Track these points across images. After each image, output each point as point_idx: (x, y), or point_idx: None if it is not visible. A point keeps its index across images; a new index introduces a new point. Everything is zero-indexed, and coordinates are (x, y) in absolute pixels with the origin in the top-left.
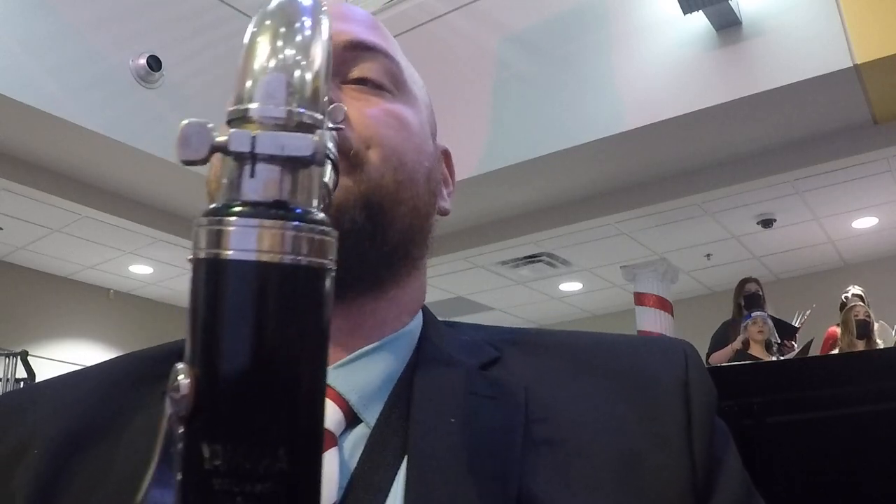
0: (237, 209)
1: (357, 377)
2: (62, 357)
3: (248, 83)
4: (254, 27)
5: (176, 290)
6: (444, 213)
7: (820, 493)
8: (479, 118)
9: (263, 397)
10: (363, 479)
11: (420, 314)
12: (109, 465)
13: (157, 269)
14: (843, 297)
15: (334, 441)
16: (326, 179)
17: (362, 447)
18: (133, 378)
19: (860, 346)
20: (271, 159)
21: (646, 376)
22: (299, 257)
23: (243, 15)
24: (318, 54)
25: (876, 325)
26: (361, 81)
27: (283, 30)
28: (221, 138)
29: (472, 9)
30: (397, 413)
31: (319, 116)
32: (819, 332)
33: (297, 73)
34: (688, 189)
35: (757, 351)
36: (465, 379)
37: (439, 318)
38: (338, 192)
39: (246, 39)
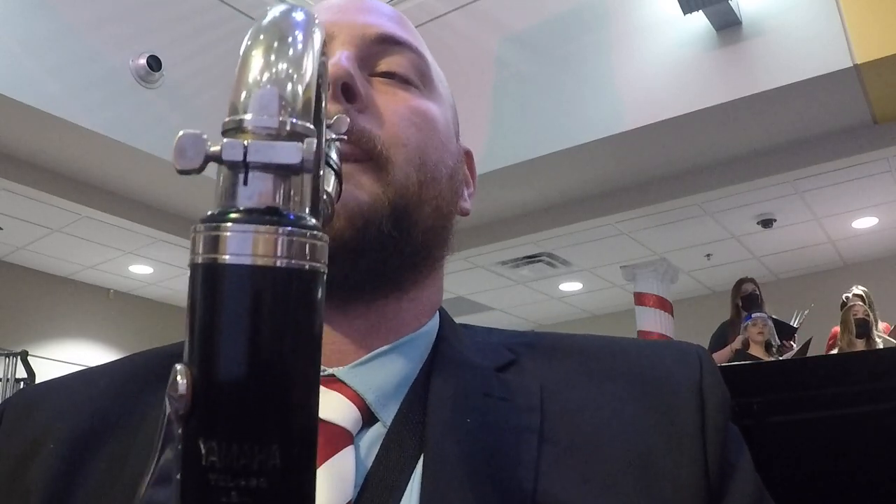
0: (232, 216)
1: (374, 377)
2: (62, 357)
3: (243, 95)
4: (248, 41)
5: (176, 290)
6: (465, 213)
7: (820, 492)
8: (479, 118)
9: (257, 396)
10: (378, 478)
11: (437, 315)
12: (124, 462)
13: (157, 269)
14: (844, 296)
15: (350, 440)
16: (329, 189)
17: (378, 446)
18: (147, 375)
19: (860, 345)
20: (263, 167)
21: (661, 380)
22: (292, 261)
23: (243, 15)
24: (310, 67)
25: (882, 325)
26: (389, 75)
27: (276, 44)
28: (215, 148)
29: (472, 9)
30: (414, 413)
31: (311, 126)
32: (819, 332)
33: (290, 86)
34: (688, 189)
35: (756, 352)
36: (482, 381)
37: None
38: (366, 200)
39: (241, 53)
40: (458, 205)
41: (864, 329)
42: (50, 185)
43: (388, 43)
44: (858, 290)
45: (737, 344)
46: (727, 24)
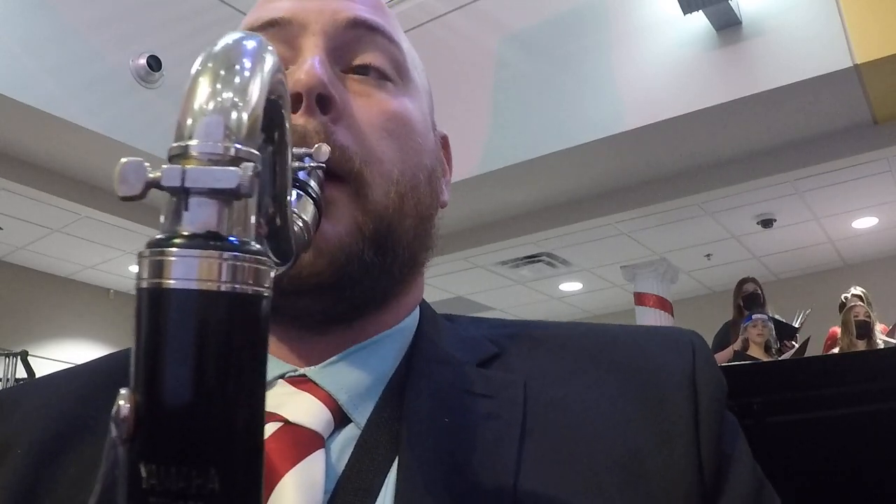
0: (176, 241)
1: (347, 376)
2: (62, 357)
3: (189, 122)
4: (198, 66)
5: None
6: (443, 205)
7: (820, 493)
8: (479, 118)
9: (196, 420)
10: (351, 483)
11: (417, 310)
12: (94, 466)
13: None
14: (843, 297)
15: (321, 443)
16: (308, 217)
17: (351, 449)
18: (120, 376)
19: (860, 346)
20: (203, 192)
21: (651, 370)
22: (236, 286)
23: (243, 15)
24: (256, 94)
25: (879, 326)
26: (364, 69)
27: (223, 72)
28: (156, 174)
29: (472, 9)
30: (389, 413)
31: (254, 152)
32: (819, 332)
33: (234, 113)
34: (688, 189)
35: (756, 353)
36: (462, 377)
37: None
38: (343, 234)
39: (190, 79)
40: (438, 202)
41: (865, 330)
42: (50, 185)
43: (361, 29)
44: (858, 290)
45: (736, 345)
46: (727, 24)
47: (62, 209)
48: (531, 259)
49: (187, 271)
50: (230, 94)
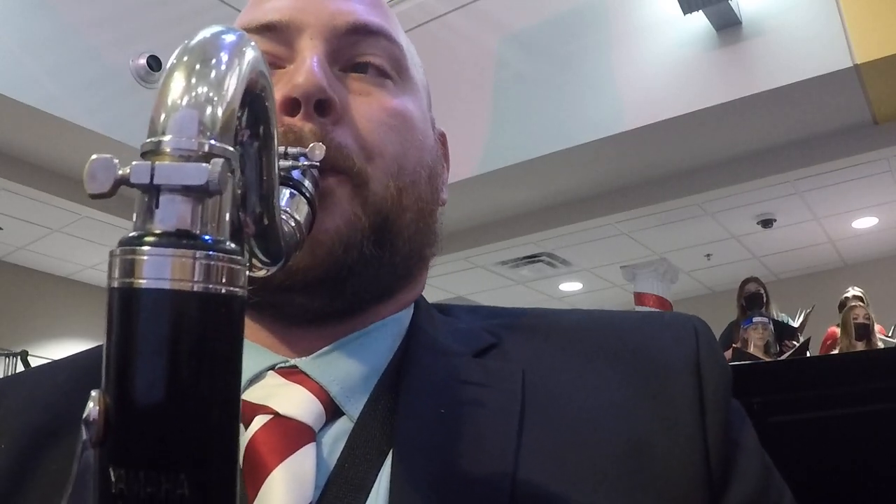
0: (148, 239)
1: (339, 367)
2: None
3: (162, 117)
4: (173, 60)
5: None
6: (443, 203)
7: (821, 493)
8: (479, 118)
9: (165, 424)
10: (343, 477)
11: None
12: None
13: None
14: (843, 297)
15: (312, 436)
16: (301, 218)
17: (344, 442)
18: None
19: (859, 347)
20: (173, 190)
21: (653, 356)
22: (209, 286)
23: None
24: (232, 89)
25: (877, 328)
26: (363, 67)
27: (198, 66)
28: (125, 171)
29: (472, 9)
30: (383, 405)
31: (229, 148)
32: (819, 332)
33: (209, 108)
34: (688, 189)
35: (756, 354)
36: (458, 368)
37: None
38: (342, 227)
39: (164, 73)
40: (439, 199)
41: (865, 332)
42: (50, 185)
43: (361, 33)
44: (857, 290)
45: (736, 344)
46: (727, 24)
47: (62, 209)
48: (531, 259)
49: (159, 271)
50: (205, 89)
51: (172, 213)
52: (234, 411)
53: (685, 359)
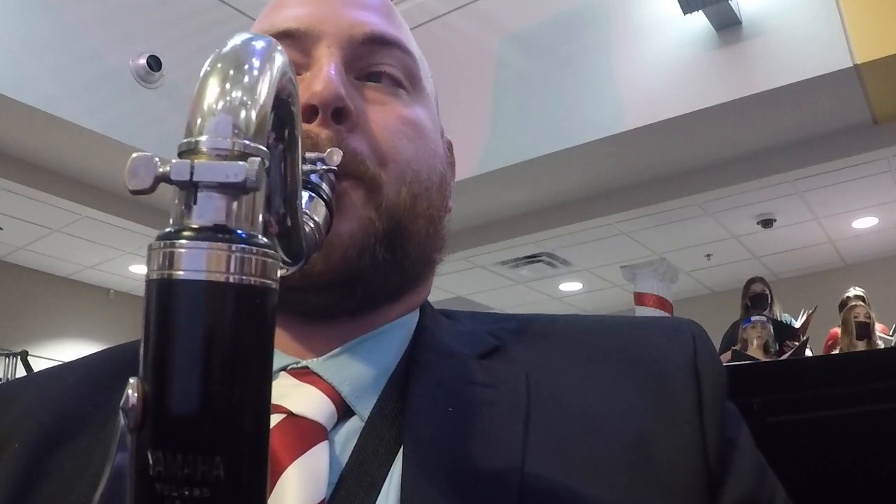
0: (186, 233)
1: (349, 368)
2: (62, 357)
3: (199, 120)
4: (207, 67)
5: None
6: (449, 210)
7: (821, 493)
8: (479, 118)
9: (201, 409)
10: (355, 474)
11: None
12: (88, 460)
13: None
14: (844, 297)
15: (324, 435)
16: (319, 218)
17: (355, 440)
18: (117, 370)
19: (860, 346)
20: (211, 186)
21: (653, 358)
22: (244, 277)
23: (243, 15)
24: (264, 93)
25: (879, 327)
26: (378, 76)
27: (232, 71)
28: (165, 169)
29: (472, 9)
30: (392, 404)
31: (262, 148)
32: (819, 332)
33: (243, 111)
34: (688, 189)
35: (756, 354)
36: (463, 369)
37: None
38: (357, 230)
39: (199, 78)
40: (447, 205)
41: (865, 331)
42: (50, 185)
43: (377, 44)
44: (858, 290)
45: (735, 346)
46: (727, 24)
47: (62, 209)
48: (531, 259)
49: (196, 263)
50: (239, 93)
51: (209, 209)
52: (266, 398)
53: (684, 360)
